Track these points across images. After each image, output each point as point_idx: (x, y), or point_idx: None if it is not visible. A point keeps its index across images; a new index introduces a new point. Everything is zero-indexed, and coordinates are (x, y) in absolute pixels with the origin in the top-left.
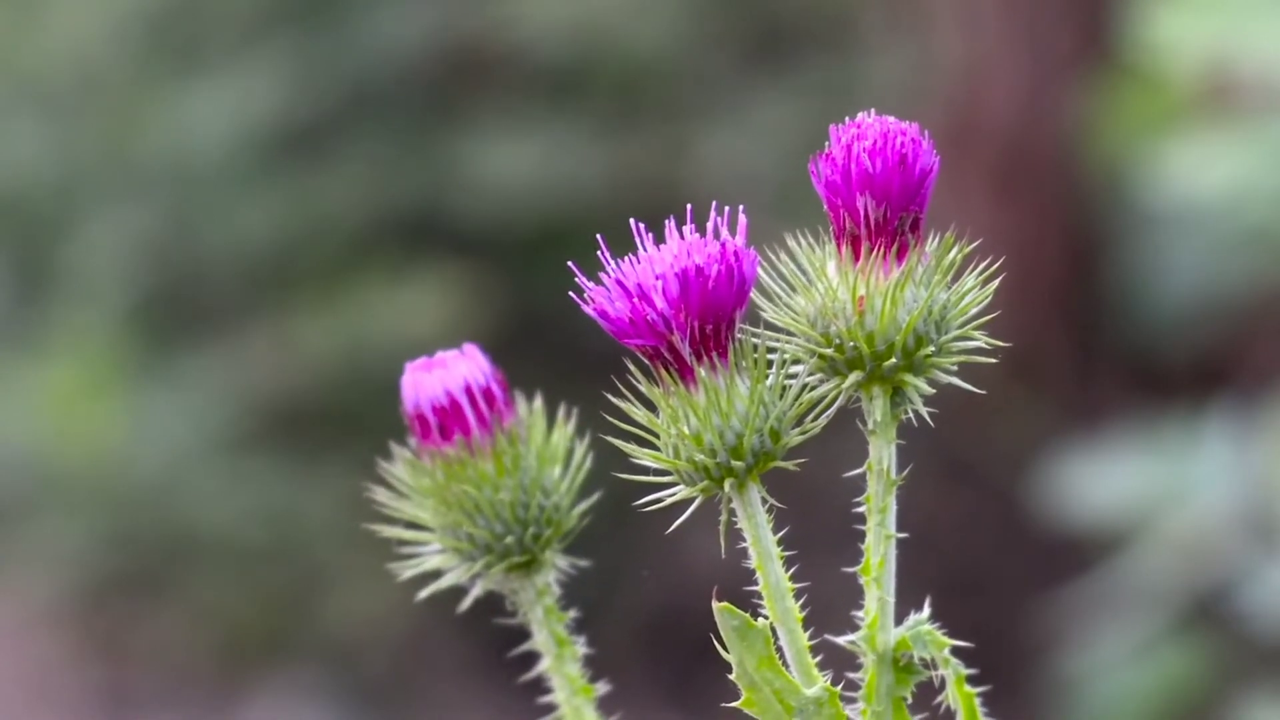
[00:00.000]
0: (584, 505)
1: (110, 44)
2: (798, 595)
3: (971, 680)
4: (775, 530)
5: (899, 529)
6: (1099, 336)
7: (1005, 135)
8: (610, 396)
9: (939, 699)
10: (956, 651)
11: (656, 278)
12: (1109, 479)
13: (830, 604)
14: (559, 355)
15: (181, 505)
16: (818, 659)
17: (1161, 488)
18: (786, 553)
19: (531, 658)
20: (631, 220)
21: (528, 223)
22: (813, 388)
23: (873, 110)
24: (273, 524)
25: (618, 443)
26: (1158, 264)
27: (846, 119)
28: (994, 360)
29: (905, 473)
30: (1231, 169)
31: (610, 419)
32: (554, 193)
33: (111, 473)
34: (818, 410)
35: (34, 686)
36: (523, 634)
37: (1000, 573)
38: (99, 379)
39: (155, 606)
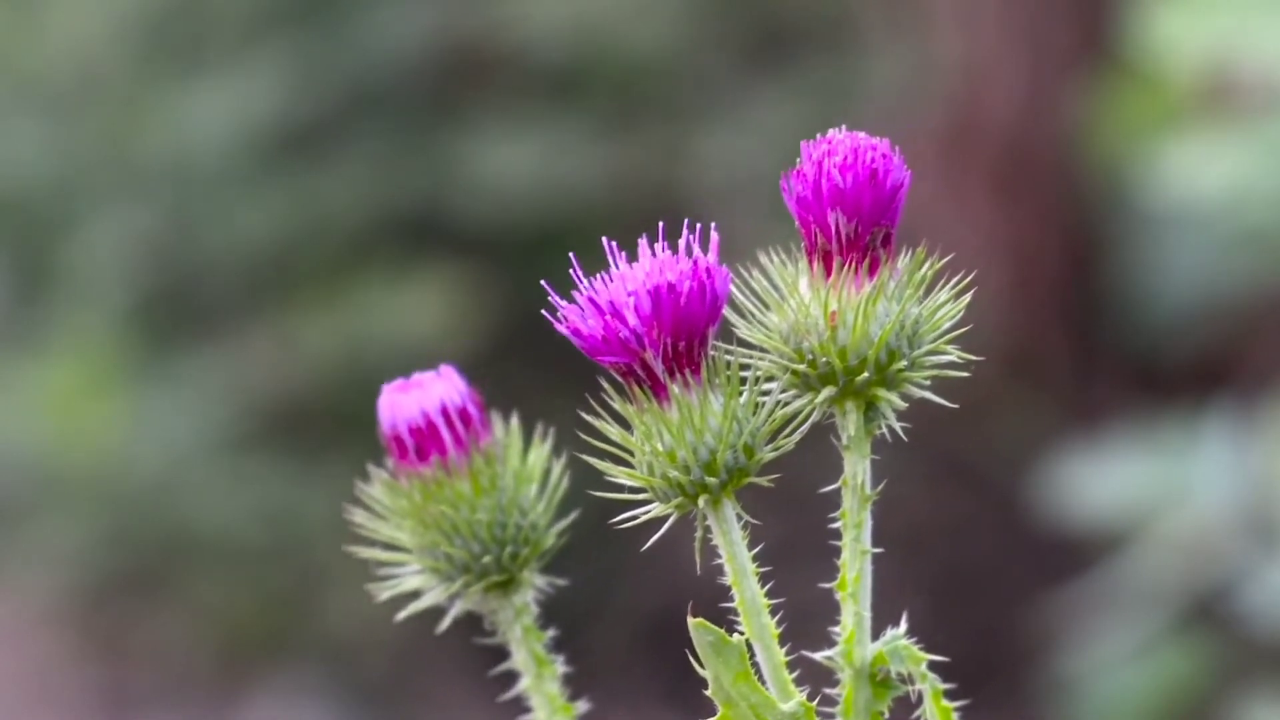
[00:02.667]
0: (562, 524)
1: (110, 44)
2: (774, 610)
3: (968, 682)
4: (753, 544)
5: (897, 530)
6: (1099, 336)
7: (1005, 135)
8: (585, 415)
9: (917, 713)
10: (948, 660)
11: (629, 295)
12: (1109, 479)
13: (808, 617)
14: (559, 356)
15: (181, 505)
16: (795, 674)
17: (1161, 488)
18: (764, 567)
19: (516, 673)
20: (603, 239)
21: (528, 223)
22: (786, 404)
23: (844, 127)
24: (273, 524)
25: (592, 460)
26: (1158, 264)
27: (846, 119)
28: (967, 374)
29: (880, 487)
30: (1231, 169)
31: (586, 437)
32: (554, 193)
33: (111, 473)
34: (792, 426)
35: (34, 686)
36: (506, 649)
37: (999, 573)
38: (99, 379)
39: (155, 606)
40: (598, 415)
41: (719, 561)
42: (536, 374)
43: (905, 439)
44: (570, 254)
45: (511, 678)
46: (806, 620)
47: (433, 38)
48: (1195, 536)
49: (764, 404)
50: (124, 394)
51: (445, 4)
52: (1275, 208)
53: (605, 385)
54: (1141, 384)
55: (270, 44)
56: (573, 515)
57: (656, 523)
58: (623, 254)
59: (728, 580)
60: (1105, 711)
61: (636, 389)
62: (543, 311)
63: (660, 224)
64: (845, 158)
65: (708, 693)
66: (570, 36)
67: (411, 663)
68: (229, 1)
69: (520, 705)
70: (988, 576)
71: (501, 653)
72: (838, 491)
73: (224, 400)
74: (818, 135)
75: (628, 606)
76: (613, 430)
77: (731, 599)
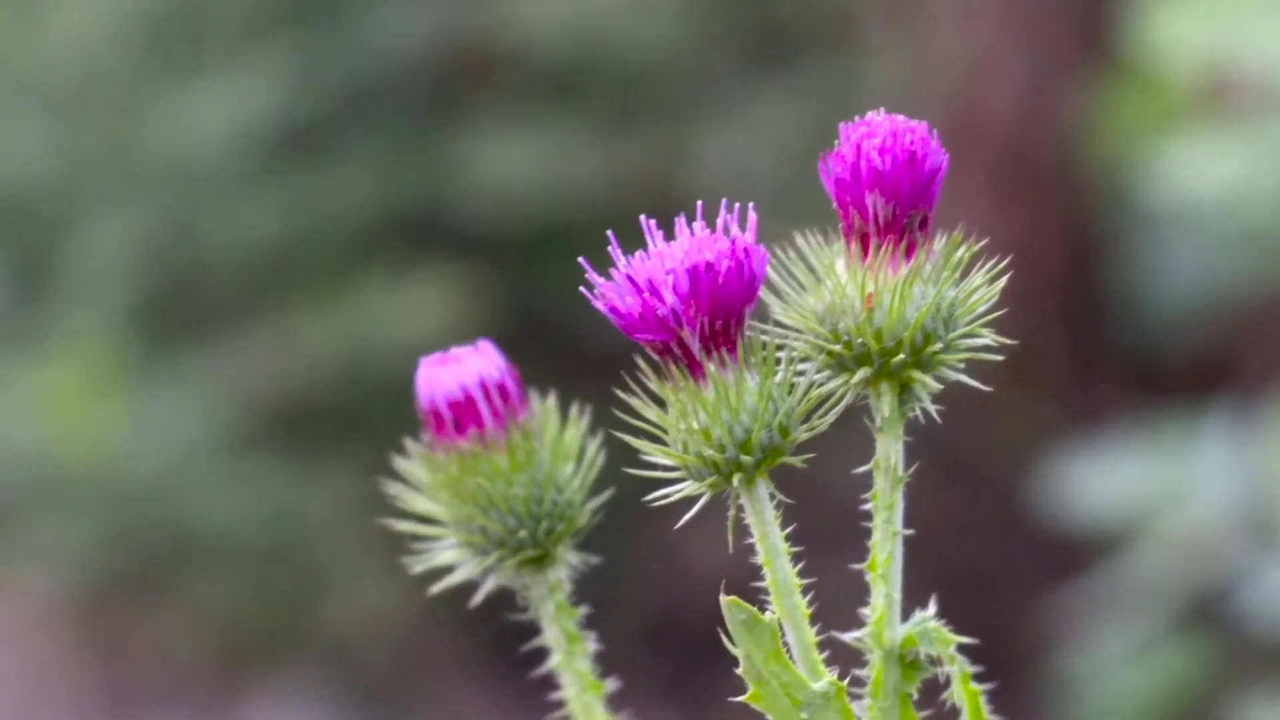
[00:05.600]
0: (595, 503)
1: (110, 44)
2: (804, 591)
3: (975, 678)
4: (782, 526)
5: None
6: (1099, 336)
7: (1005, 135)
8: (620, 392)
9: (944, 695)
10: (962, 649)
11: (667, 273)
12: (1109, 479)
13: (837, 600)
14: (560, 355)
15: (182, 505)
16: (824, 655)
17: (1161, 488)
18: (793, 549)
19: (536, 655)
20: (641, 217)
21: (528, 223)
22: (821, 384)
23: (882, 109)
24: (273, 524)
25: (627, 438)
26: (1157, 264)
27: (846, 119)
28: (1001, 358)
29: (912, 469)
30: (1231, 169)
31: (620, 414)
32: (554, 193)
33: (112, 473)
34: (826, 406)
35: (34, 686)
36: (526, 631)
37: (1000, 572)
38: (99, 379)
39: (155, 606)
40: (632, 394)
41: (723, 557)
42: (537, 374)
43: (916, 432)
44: (609, 232)
45: (522, 668)
46: (832, 603)
47: (433, 38)
48: (1195, 536)
49: (799, 384)
50: (124, 394)
51: (445, 4)
52: (1275, 208)
53: (640, 363)
54: (1141, 384)
55: (270, 44)
56: (606, 494)
57: (668, 511)
58: (628, 249)
59: (759, 560)
60: (1105, 711)
61: (673, 367)
62: (580, 289)
63: (699, 204)
64: (884, 140)
65: (716, 687)
66: (570, 36)
67: (411, 662)
68: (229, 1)
69: (521, 701)
70: (987, 576)
71: (502, 648)
72: (854, 482)
73: (224, 400)
74: (819, 134)
75: (627, 605)
76: (648, 409)
77: (748, 581)
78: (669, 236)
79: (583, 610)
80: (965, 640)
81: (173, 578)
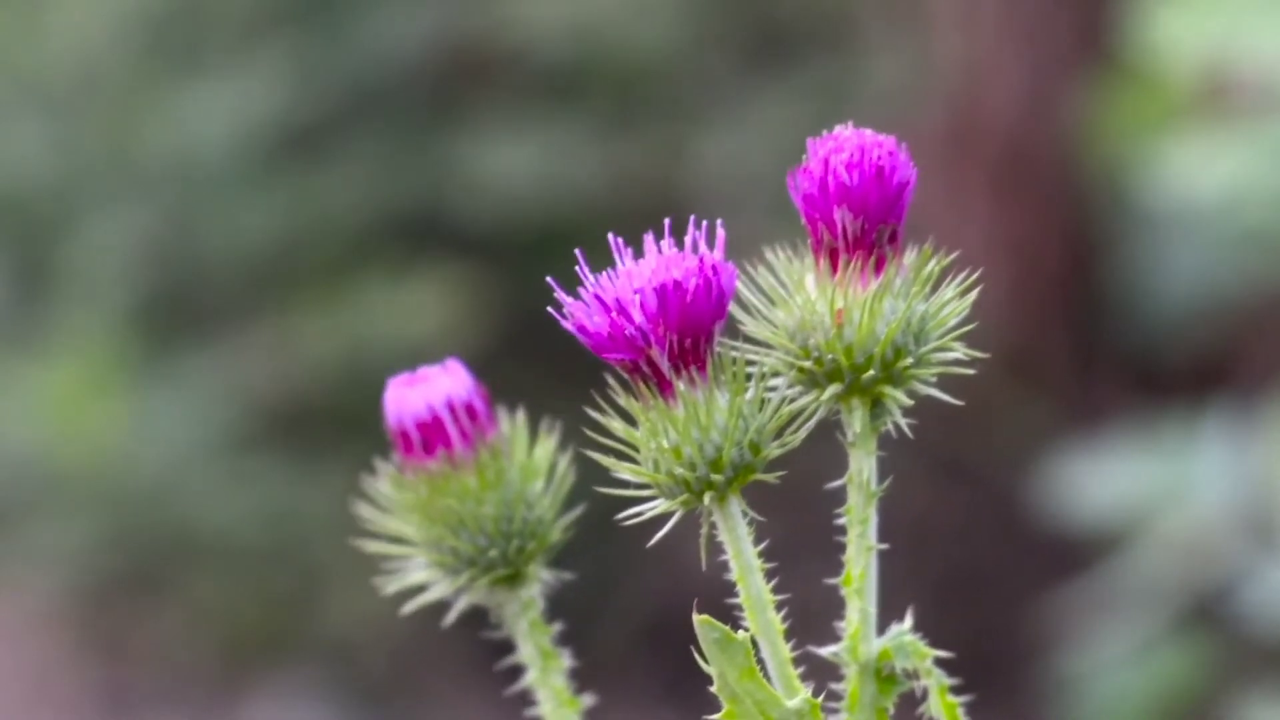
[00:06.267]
0: (568, 518)
1: (110, 44)
2: (780, 606)
3: (968, 681)
4: (758, 540)
5: (897, 530)
6: (1098, 336)
7: (1005, 135)
8: (590, 411)
9: (920, 709)
10: (944, 661)
11: (634, 292)
12: (1109, 479)
13: (814, 613)
14: (560, 356)
15: (182, 505)
16: (800, 670)
17: (1161, 488)
18: (769, 563)
19: (522, 666)
20: (610, 235)
21: (528, 223)
22: (792, 400)
23: (850, 122)
24: (273, 524)
25: (598, 456)
26: (1157, 264)
27: (846, 119)
28: (973, 371)
29: (886, 484)
30: (1230, 169)
31: (591, 433)
32: (554, 193)
33: (112, 473)
34: (797, 423)
35: (34, 686)
36: (512, 643)
37: (1000, 573)
38: (100, 379)
39: (155, 606)
40: (603, 412)
41: (723, 559)
42: (537, 374)
43: (906, 438)
44: (576, 251)
45: (514, 675)
46: (811, 617)
47: (433, 38)
48: (1195, 536)
49: (770, 400)
50: (124, 394)
51: (445, 4)
52: (1275, 208)
53: (611, 381)
54: (1141, 384)
55: (270, 44)
56: (578, 510)
57: (659, 520)
58: (628, 250)
59: (733, 576)
60: (1105, 711)
61: (642, 385)
62: (548, 309)
63: (666, 221)
64: (851, 155)
65: (712, 689)
66: (570, 36)
67: (412, 662)
68: (229, 2)
69: (523, 702)
70: (987, 576)
71: (503, 650)
72: (842, 489)
73: (224, 400)
74: (819, 134)
75: (628, 605)
76: (618, 426)
77: (736, 595)
78: (667, 237)
79: (559, 626)
80: (941, 653)
81: (173, 578)
